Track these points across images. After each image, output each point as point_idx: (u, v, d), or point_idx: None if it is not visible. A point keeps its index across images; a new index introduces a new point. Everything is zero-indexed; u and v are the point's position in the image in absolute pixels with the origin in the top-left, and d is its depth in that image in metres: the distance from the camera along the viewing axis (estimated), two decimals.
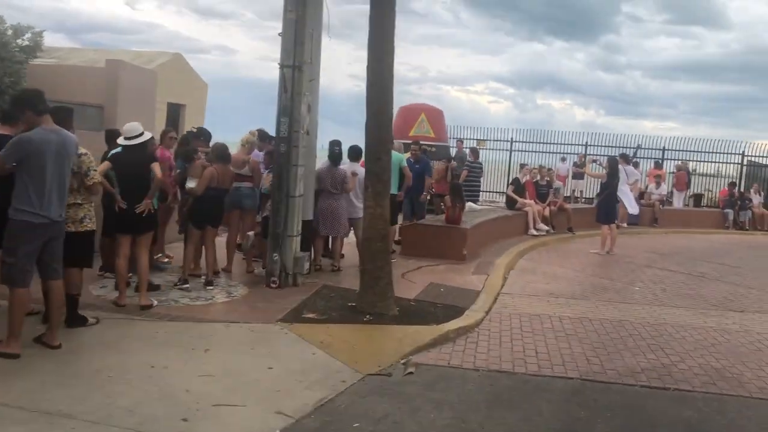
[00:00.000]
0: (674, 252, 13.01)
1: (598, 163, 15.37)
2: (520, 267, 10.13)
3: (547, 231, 13.42)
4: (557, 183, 15.18)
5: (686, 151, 21.74)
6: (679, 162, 20.90)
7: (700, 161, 22.00)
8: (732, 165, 21.94)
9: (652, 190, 17.65)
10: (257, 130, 8.76)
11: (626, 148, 19.31)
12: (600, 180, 12.26)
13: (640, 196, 16.53)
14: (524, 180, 13.93)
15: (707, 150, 21.74)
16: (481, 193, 17.61)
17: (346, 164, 8.62)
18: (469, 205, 12.60)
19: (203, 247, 7.40)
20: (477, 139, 21.84)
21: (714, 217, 18.20)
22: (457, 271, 9.03)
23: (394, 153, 8.93)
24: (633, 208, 13.98)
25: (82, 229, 5.46)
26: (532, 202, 13.50)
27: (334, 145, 8.49)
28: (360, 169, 8.06)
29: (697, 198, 20.83)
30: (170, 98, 12.22)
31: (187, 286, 7.08)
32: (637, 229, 15.99)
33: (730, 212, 17.91)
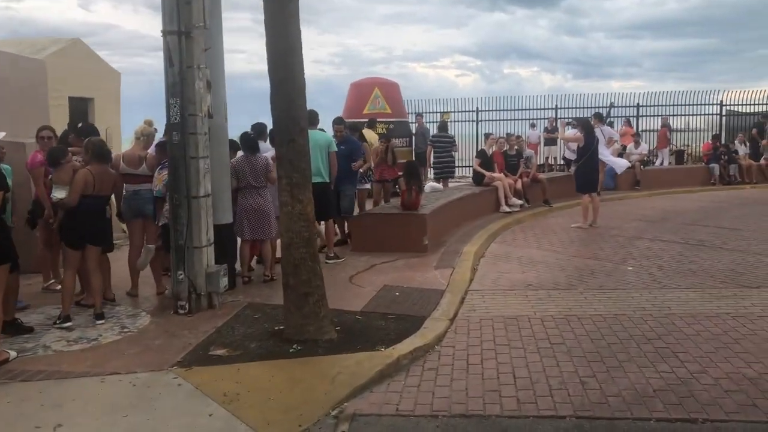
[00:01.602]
0: (664, 217, 11.69)
1: (572, 126, 14.00)
2: (491, 253, 8.71)
3: (521, 206, 11.99)
4: (528, 151, 13.71)
5: (661, 105, 20.59)
6: (662, 117, 19.66)
7: (677, 115, 20.74)
8: (709, 117, 20.82)
9: (631, 150, 16.33)
10: None
11: (599, 107, 18.32)
12: (578, 145, 10.82)
13: (619, 157, 15.24)
14: (491, 151, 12.44)
15: (683, 103, 20.61)
16: (456, 168, 16.30)
17: (269, 151, 7.10)
18: (430, 185, 11.13)
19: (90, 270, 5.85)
20: (441, 112, 20.42)
21: (698, 174, 17.00)
22: (416, 267, 7.58)
23: (318, 133, 7.43)
24: (620, 167, 12.78)
25: None
26: (502, 175, 12.03)
27: (250, 130, 6.94)
28: None
29: (679, 155, 19.65)
30: (73, 92, 10.52)
31: (69, 324, 5.55)
32: (619, 193, 14.72)
33: (716, 167, 16.74)
